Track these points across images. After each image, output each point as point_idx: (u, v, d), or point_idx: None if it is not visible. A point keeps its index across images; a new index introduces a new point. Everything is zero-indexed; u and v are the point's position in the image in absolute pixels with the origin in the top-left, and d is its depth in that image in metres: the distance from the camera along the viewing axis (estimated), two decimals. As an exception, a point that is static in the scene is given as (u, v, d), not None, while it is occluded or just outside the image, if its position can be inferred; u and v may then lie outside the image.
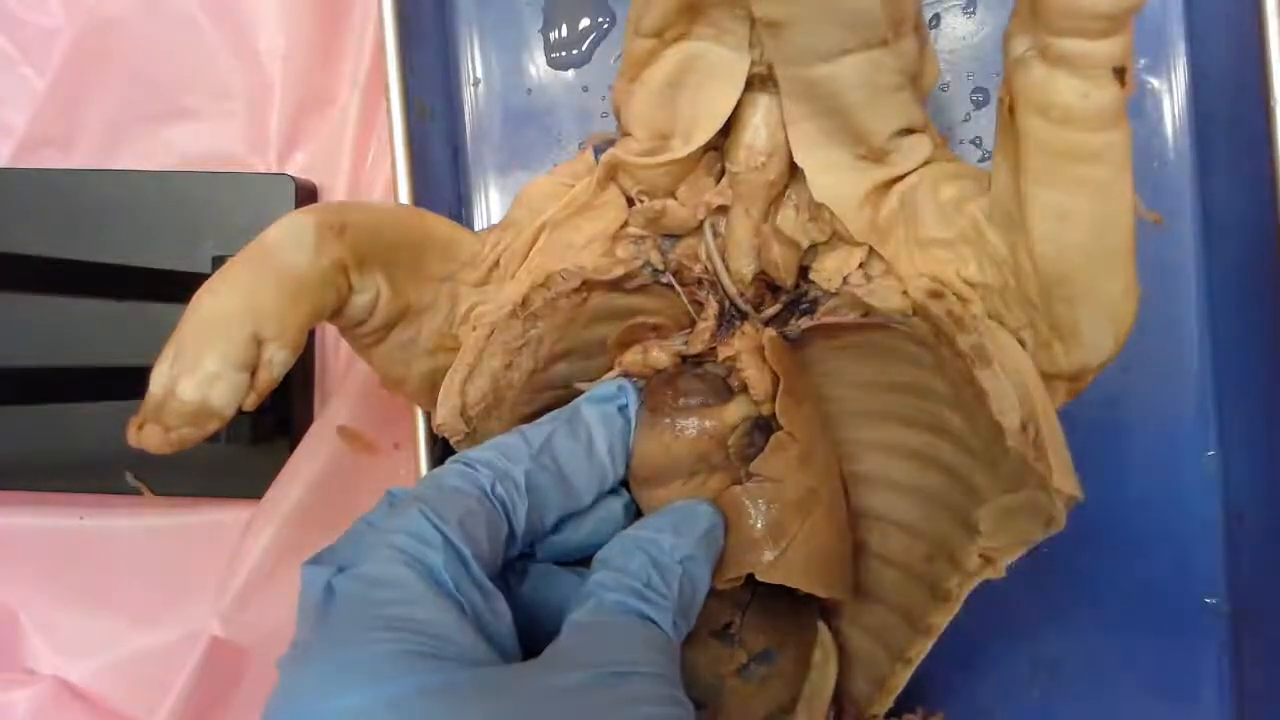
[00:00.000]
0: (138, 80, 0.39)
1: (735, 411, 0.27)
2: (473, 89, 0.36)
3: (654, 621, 0.24)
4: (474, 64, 0.36)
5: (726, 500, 0.27)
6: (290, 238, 0.25)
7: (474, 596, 0.23)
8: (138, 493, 0.39)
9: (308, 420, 0.38)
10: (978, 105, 0.33)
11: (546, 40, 0.36)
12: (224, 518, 0.39)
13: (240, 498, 0.38)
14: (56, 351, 0.38)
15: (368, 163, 0.39)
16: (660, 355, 0.28)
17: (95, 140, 0.39)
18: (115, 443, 0.37)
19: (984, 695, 0.34)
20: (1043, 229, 0.23)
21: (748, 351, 0.27)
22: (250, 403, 0.24)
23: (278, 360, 0.24)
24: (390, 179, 0.37)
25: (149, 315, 0.35)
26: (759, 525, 0.26)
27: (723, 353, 0.27)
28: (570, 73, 0.36)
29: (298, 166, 0.39)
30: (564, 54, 0.36)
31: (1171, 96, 0.33)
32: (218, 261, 0.36)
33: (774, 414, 0.27)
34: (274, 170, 0.39)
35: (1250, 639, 0.33)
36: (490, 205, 0.36)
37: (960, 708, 0.32)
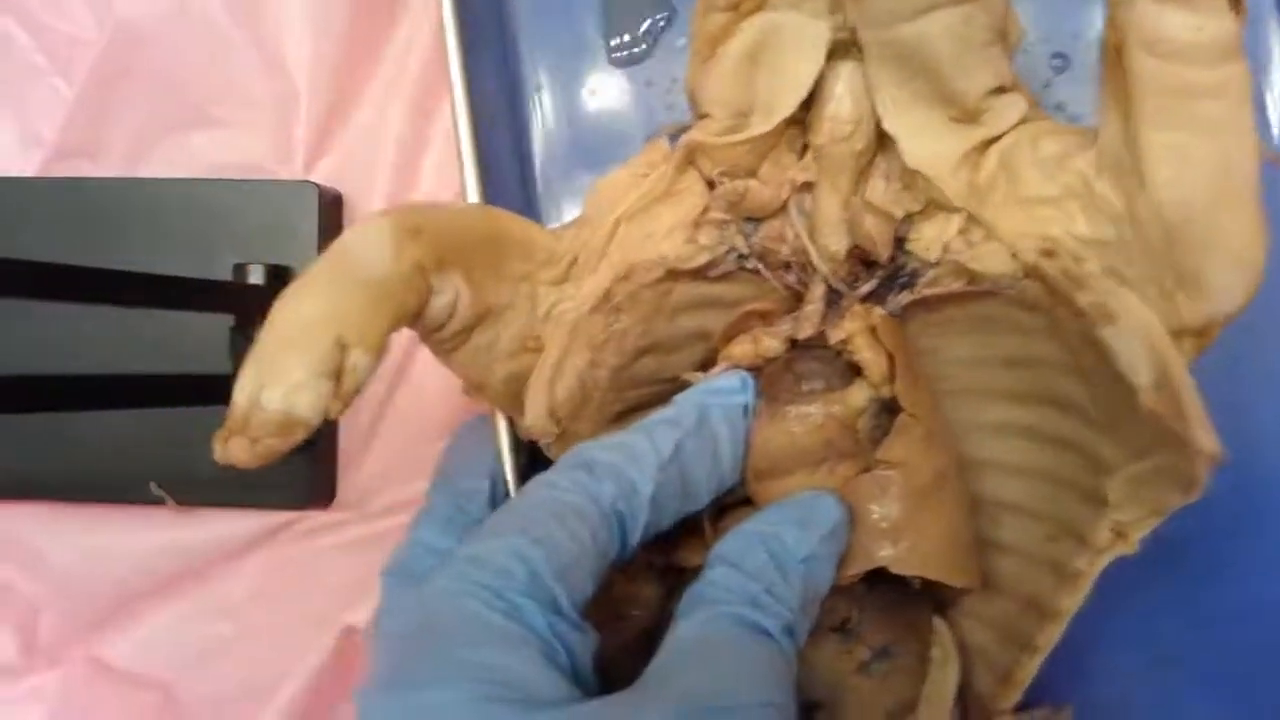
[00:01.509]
0: (166, 89, 0.39)
1: (859, 394, 0.26)
2: (535, 95, 0.36)
3: (770, 635, 0.23)
4: (534, 69, 0.36)
5: (853, 489, 0.25)
6: (368, 241, 0.24)
7: (564, 636, 0.22)
8: (161, 502, 0.38)
9: (332, 428, 0.37)
10: (1058, 71, 0.32)
11: (606, 41, 0.36)
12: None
13: (261, 506, 0.37)
14: (76, 359, 0.37)
15: (406, 173, 0.38)
16: (771, 342, 0.26)
17: (123, 149, 0.39)
18: (137, 451, 0.37)
19: (1108, 687, 0.32)
20: (1162, 173, 0.22)
21: (860, 333, 0.25)
22: (336, 410, 0.24)
23: (362, 366, 0.23)
24: (429, 188, 0.37)
25: (166, 323, 0.35)
26: (889, 514, 0.25)
27: (834, 336, 0.26)
28: (632, 70, 0.35)
29: (324, 175, 0.38)
30: (625, 53, 0.35)
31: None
32: (238, 269, 0.36)
33: (894, 396, 0.25)
34: (300, 178, 0.38)
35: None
36: (561, 212, 0.35)
37: (1085, 701, 0.30)
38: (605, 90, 0.36)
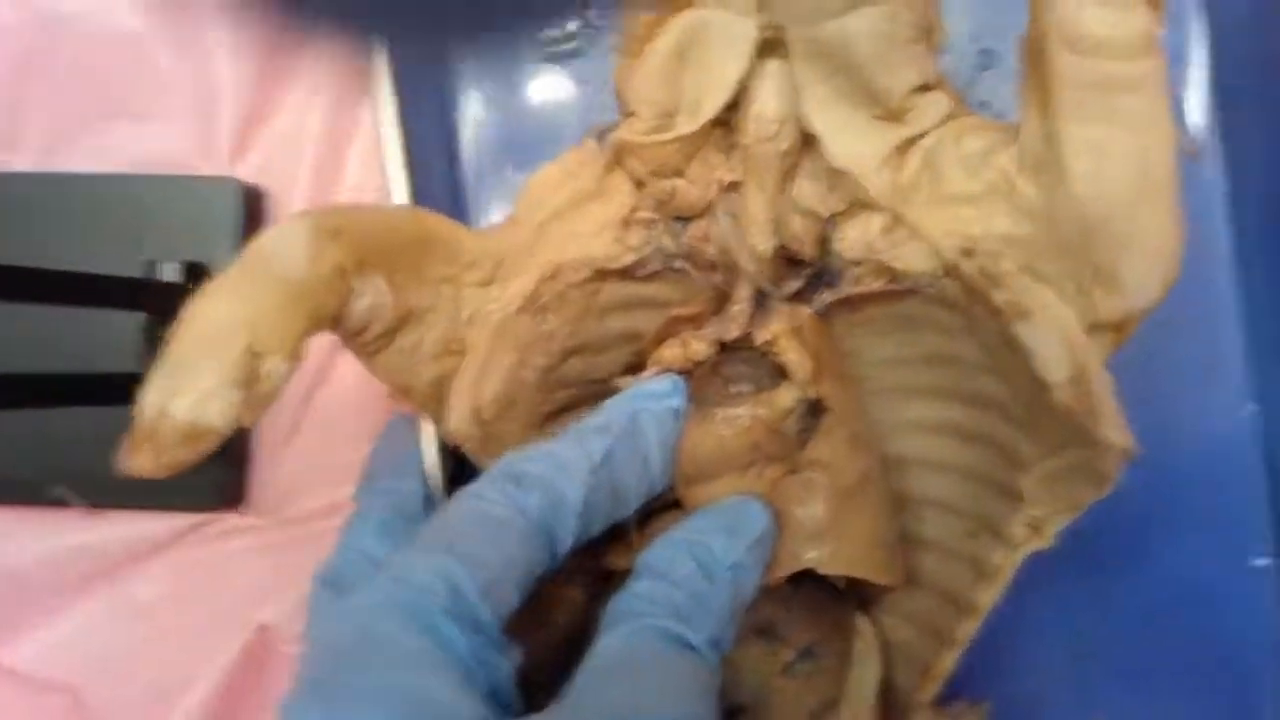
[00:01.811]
0: (85, 80, 0.37)
1: (786, 396, 0.26)
2: (466, 92, 0.35)
3: (694, 648, 0.22)
4: (465, 65, 0.35)
5: (779, 492, 0.25)
6: (285, 243, 0.23)
7: (484, 656, 0.21)
8: (67, 504, 0.36)
9: (246, 430, 0.36)
10: (983, 67, 0.32)
11: (540, 37, 0.35)
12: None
13: (170, 508, 0.36)
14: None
15: (331, 168, 0.37)
16: (699, 345, 0.26)
17: (40, 142, 0.38)
18: (44, 452, 0.35)
19: (1026, 681, 0.32)
20: (1080, 168, 0.22)
21: (785, 334, 0.25)
22: (248, 419, 0.23)
23: (276, 372, 0.23)
24: (355, 183, 0.36)
25: (77, 320, 0.33)
26: (815, 516, 0.25)
27: (760, 337, 0.26)
28: (566, 67, 0.35)
29: (248, 170, 0.37)
30: (558, 49, 0.35)
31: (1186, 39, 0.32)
32: (151, 266, 0.34)
33: (820, 397, 0.25)
34: (223, 174, 0.37)
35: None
36: (491, 213, 0.34)
37: (1002, 696, 0.31)
38: (538, 88, 0.35)
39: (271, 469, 0.37)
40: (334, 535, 0.33)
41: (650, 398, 0.26)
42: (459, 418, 0.27)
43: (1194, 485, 0.32)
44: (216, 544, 0.36)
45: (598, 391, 0.28)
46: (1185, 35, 0.32)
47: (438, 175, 0.33)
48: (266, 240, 0.23)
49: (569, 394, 0.28)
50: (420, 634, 0.21)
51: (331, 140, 0.37)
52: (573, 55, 0.35)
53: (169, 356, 0.22)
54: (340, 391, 0.36)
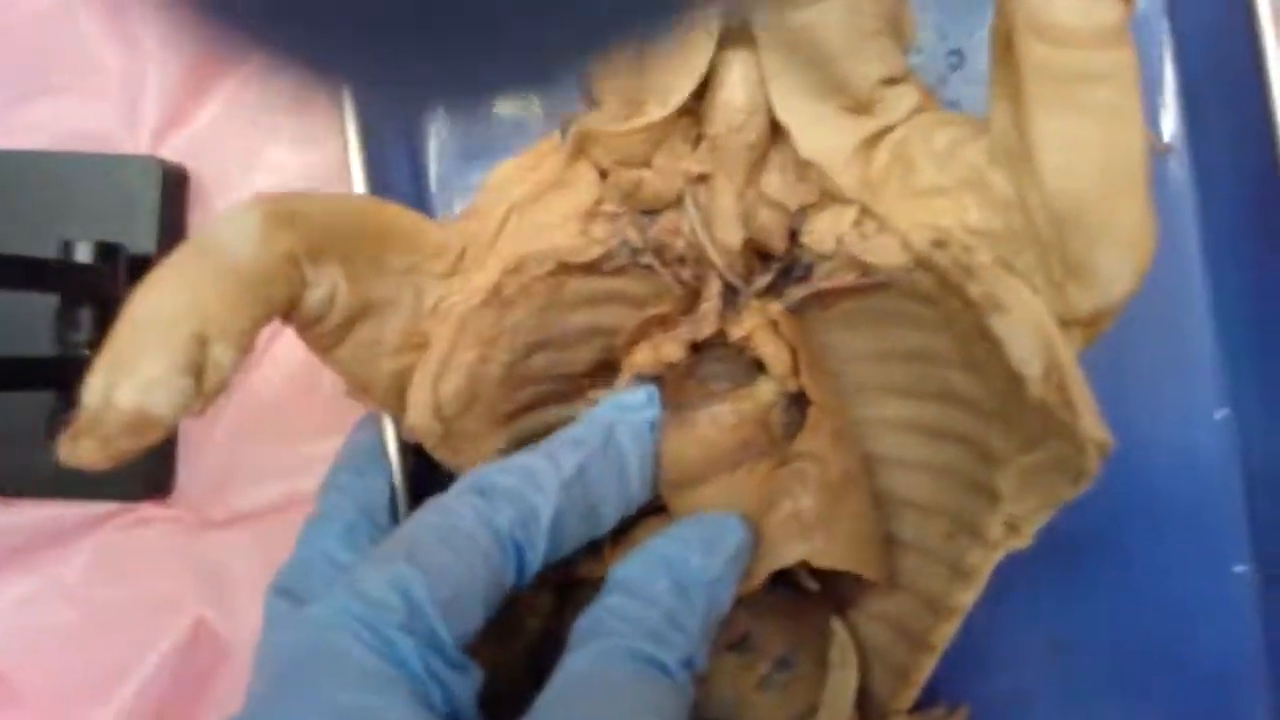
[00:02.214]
0: (6, 55, 0.36)
1: (766, 389, 0.25)
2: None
3: (667, 670, 0.22)
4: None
5: (769, 484, 0.25)
6: (235, 228, 0.23)
7: (441, 675, 0.20)
8: None
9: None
10: (953, 68, 0.32)
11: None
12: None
13: (91, 498, 0.35)
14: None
15: (261, 153, 0.36)
16: (672, 348, 0.26)
17: None
18: None
19: (1003, 684, 0.32)
20: (1051, 160, 0.22)
21: (760, 327, 0.25)
22: (197, 409, 0.22)
23: (225, 361, 0.22)
24: (286, 170, 0.34)
25: None
26: (806, 507, 0.24)
27: (734, 333, 0.25)
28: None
29: (174, 150, 0.36)
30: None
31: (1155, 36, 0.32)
32: (68, 247, 0.33)
33: (801, 390, 0.25)
34: (146, 153, 0.35)
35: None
36: (455, 207, 0.34)
37: (980, 699, 0.30)
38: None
39: (199, 459, 0.35)
40: (268, 532, 0.32)
41: (626, 410, 0.25)
42: (419, 413, 0.26)
43: (1170, 491, 0.31)
44: (140, 531, 0.34)
45: (564, 389, 0.28)
46: (1151, 42, 0.32)
47: (400, 169, 0.32)
48: (216, 225, 0.23)
49: (534, 390, 0.27)
50: (374, 651, 0.20)
51: (263, 124, 0.36)
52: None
53: (113, 344, 0.22)
54: (274, 382, 0.34)
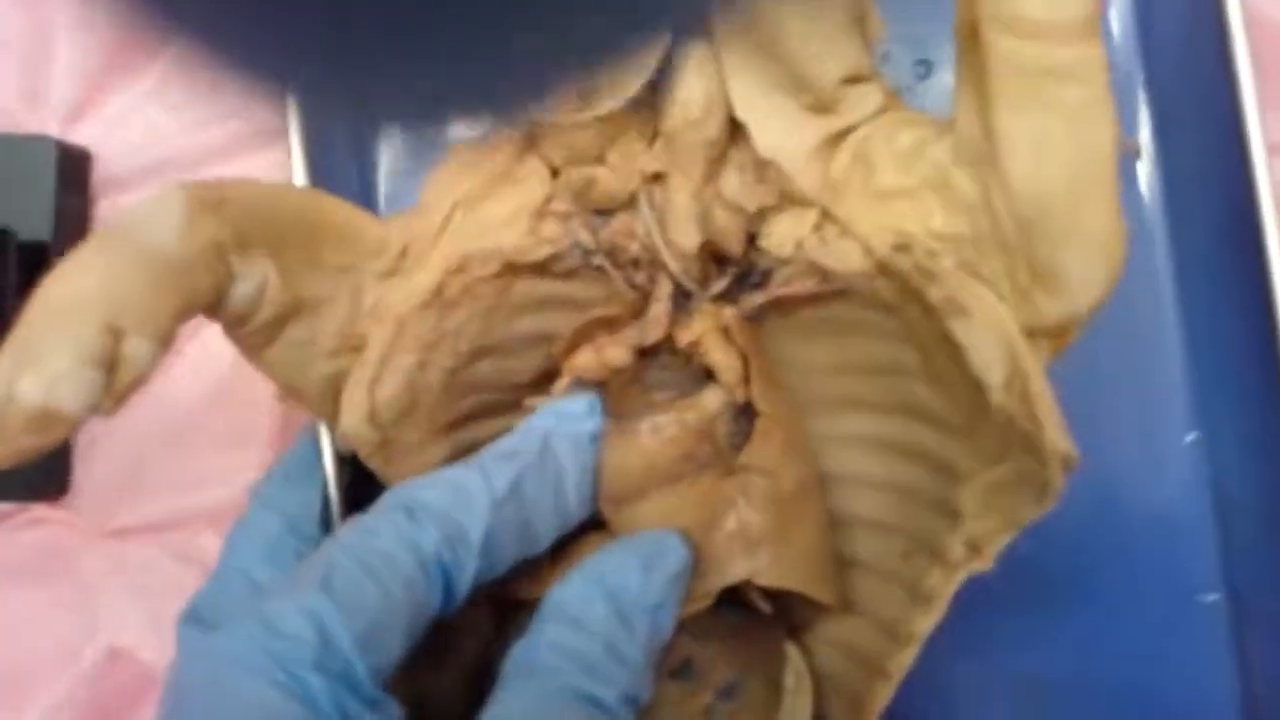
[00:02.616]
0: None
1: (713, 398, 0.24)
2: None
3: (606, 707, 0.20)
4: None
5: (714, 497, 0.23)
6: (154, 213, 0.21)
7: (357, 717, 0.19)
8: None
9: None
10: (921, 77, 0.31)
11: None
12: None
13: None
14: None
15: (174, 139, 0.34)
16: (617, 352, 0.24)
17: None
18: None
19: (964, 716, 0.30)
20: (1018, 161, 0.21)
21: (710, 332, 0.24)
22: (108, 407, 0.20)
23: (141, 355, 0.20)
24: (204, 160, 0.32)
25: None
26: (752, 522, 0.23)
27: (683, 338, 0.24)
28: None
29: (80, 132, 0.34)
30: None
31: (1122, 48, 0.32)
32: None
33: (750, 400, 0.24)
34: (52, 134, 0.33)
35: (1256, 639, 0.30)
36: (400, 198, 0.32)
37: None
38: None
39: (98, 461, 0.33)
40: (169, 543, 0.30)
41: (564, 419, 0.24)
42: (353, 420, 0.24)
43: (1139, 517, 0.30)
44: (32, 534, 0.32)
45: (508, 399, 0.26)
46: (1120, 52, 0.31)
47: (344, 161, 0.31)
48: (135, 209, 0.21)
49: (477, 400, 0.26)
50: (282, 690, 0.19)
51: (178, 108, 0.34)
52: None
53: (17, 334, 0.20)
54: (184, 384, 0.33)
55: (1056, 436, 0.20)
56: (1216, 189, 0.29)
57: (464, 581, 0.22)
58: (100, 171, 0.34)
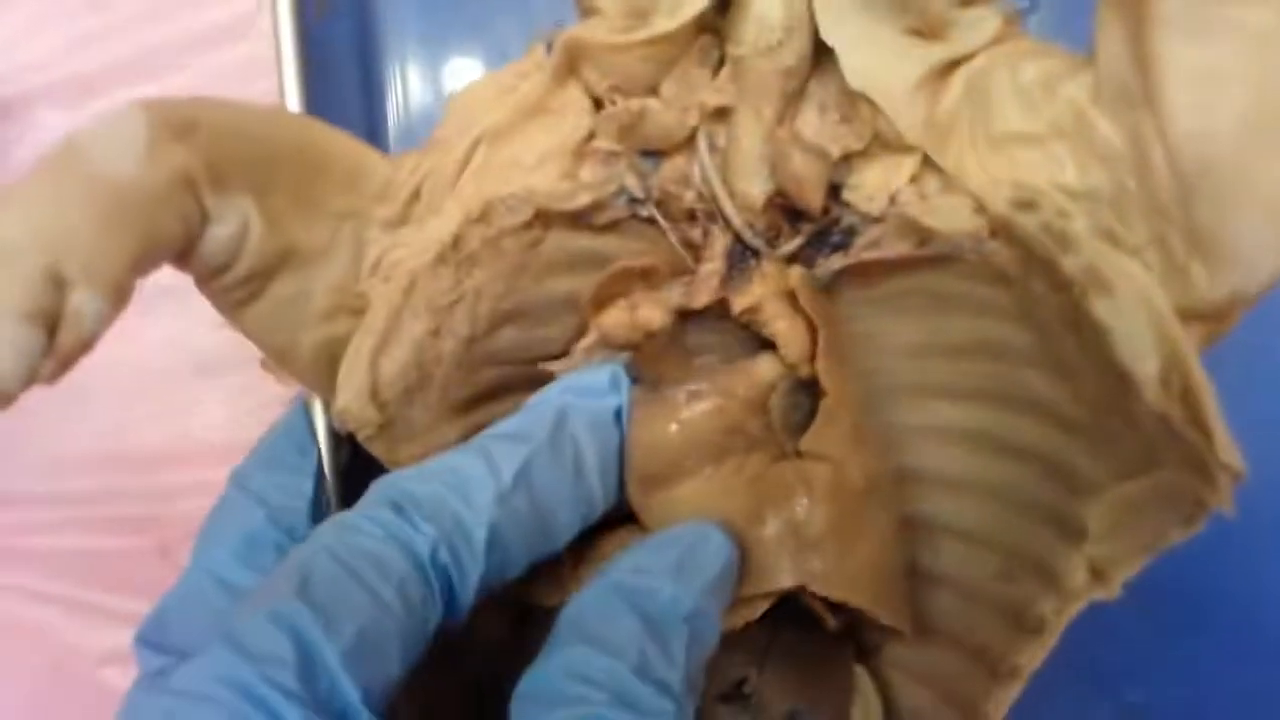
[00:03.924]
0: None
1: (768, 367, 0.20)
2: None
3: None
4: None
5: (766, 484, 0.19)
6: (110, 137, 0.17)
7: None
8: None
9: None
10: (1026, 12, 0.27)
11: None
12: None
13: None
14: None
15: (100, 61, 0.29)
16: (653, 313, 0.20)
17: None
18: None
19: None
20: (1183, 99, 0.17)
21: (773, 297, 0.20)
22: (49, 372, 0.17)
23: (89, 311, 0.17)
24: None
25: None
26: (812, 520, 0.19)
27: (739, 304, 0.20)
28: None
29: None
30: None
31: None
32: None
33: (814, 376, 0.20)
34: None
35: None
36: (414, 134, 0.28)
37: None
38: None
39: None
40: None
41: (582, 394, 0.21)
42: (352, 397, 0.21)
43: (1268, 531, 0.26)
44: None
45: (534, 374, 0.22)
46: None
47: (349, 82, 0.26)
48: (85, 134, 0.17)
49: (497, 373, 0.22)
50: None
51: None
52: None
53: (-66, 281, 0.16)
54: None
55: (1228, 448, 0.16)
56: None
57: (468, 587, 0.18)
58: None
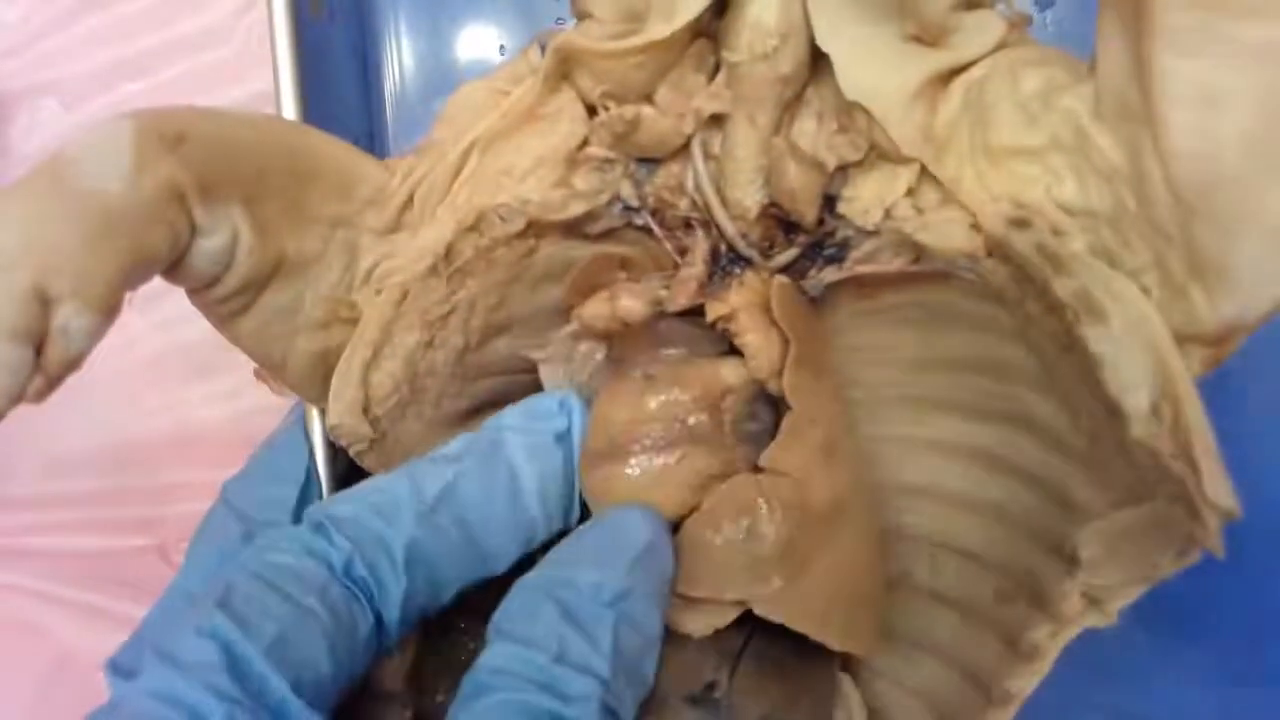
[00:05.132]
0: None
1: (733, 371, 0.20)
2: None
3: None
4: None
5: (729, 492, 0.19)
6: (97, 152, 0.17)
7: None
8: None
9: None
10: (1042, 7, 0.26)
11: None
12: None
13: None
14: None
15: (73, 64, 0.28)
16: (632, 305, 0.20)
17: None
18: None
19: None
20: (1184, 117, 0.16)
21: (750, 308, 0.19)
22: (37, 390, 0.17)
23: (77, 328, 0.17)
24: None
25: None
26: (767, 536, 0.19)
27: (713, 311, 0.20)
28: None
29: None
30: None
31: None
32: None
33: (782, 391, 0.19)
34: None
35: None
36: (412, 133, 0.28)
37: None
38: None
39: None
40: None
41: (528, 417, 0.21)
42: (343, 410, 0.21)
43: (1273, 539, 0.26)
44: None
45: (528, 383, 0.22)
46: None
47: (348, 90, 0.26)
48: (73, 146, 0.17)
49: (492, 384, 0.22)
50: None
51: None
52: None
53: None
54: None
55: (1216, 485, 0.16)
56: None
57: (392, 600, 0.19)
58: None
